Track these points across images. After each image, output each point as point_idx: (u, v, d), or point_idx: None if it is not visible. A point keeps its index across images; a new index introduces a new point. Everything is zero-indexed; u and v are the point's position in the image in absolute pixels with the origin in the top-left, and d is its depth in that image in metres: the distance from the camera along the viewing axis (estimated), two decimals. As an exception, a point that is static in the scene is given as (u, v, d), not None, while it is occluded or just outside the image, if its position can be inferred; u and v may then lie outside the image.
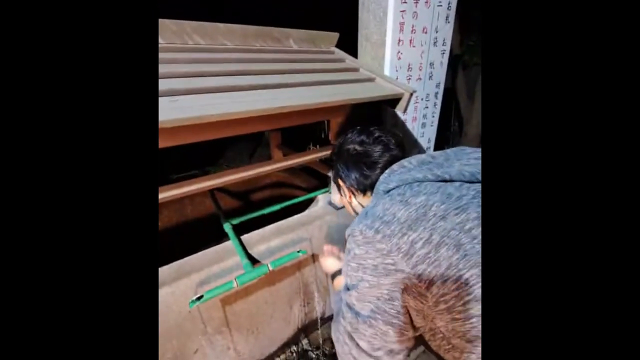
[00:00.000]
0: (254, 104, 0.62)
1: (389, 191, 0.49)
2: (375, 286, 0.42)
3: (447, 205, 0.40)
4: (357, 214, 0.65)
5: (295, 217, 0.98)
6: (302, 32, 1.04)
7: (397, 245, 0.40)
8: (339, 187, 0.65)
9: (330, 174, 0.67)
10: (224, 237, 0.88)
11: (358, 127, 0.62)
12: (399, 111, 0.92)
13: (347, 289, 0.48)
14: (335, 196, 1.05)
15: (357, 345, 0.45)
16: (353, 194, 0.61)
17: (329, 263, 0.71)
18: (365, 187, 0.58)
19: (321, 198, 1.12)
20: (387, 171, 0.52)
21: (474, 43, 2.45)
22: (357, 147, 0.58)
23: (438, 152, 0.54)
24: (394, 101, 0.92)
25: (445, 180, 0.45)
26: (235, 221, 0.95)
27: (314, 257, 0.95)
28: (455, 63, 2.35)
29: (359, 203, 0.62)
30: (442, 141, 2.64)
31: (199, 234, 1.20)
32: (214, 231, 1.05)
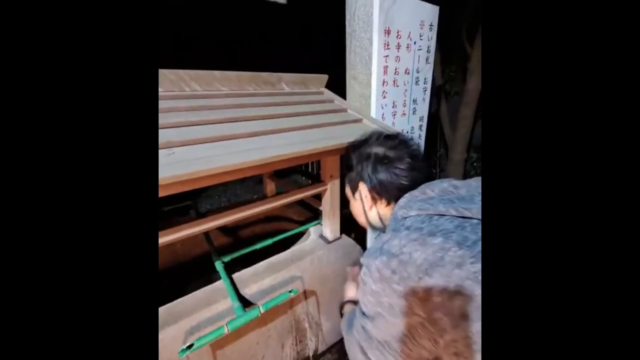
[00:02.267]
0: (248, 155, 0.66)
1: (406, 218, 0.49)
2: (391, 324, 0.44)
3: (463, 252, 0.40)
4: (371, 226, 0.63)
5: (287, 252, 1.00)
6: (293, 76, 1.11)
7: (413, 290, 0.41)
8: (354, 191, 0.61)
9: (347, 179, 0.63)
10: (215, 274, 0.89)
11: (379, 132, 0.60)
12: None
13: (363, 313, 0.49)
14: (326, 229, 1.08)
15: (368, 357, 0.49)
16: (375, 200, 0.58)
17: (350, 289, 0.72)
18: (390, 196, 0.56)
19: (312, 231, 1.14)
20: (407, 195, 0.52)
21: (453, 74, 2.63)
22: (388, 152, 0.56)
23: (460, 182, 0.52)
24: (380, 141, 0.98)
25: (465, 217, 0.45)
26: (227, 258, 0.96)
27: (306, 294, 0.96)
28: (438, 92, 2.50)
29: (378, 214, 0.59)
30: (431, 165, 2.74)
31: (190, 271, 1.19)
32: (205, 268, 1.05)
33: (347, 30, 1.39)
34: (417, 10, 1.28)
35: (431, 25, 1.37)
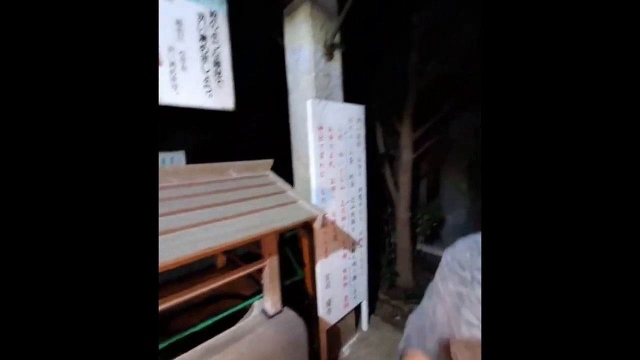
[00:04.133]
0: (196, 246, 0.78)
1: None
2: None
3: None
4: None
5: (227, 332, 1.03)
6: (241, 163, 1.31)
7: None
8: None
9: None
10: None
11: None
12: (317, 225, 1.15)
13: None
14: (267, 303, 1.14)
15: None
16: None
17: None
18: None
19: (256, 305, 1.19)
20: None
21: (394, 139, 3.09)
22: None
23: None
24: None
25: None
26: (163, 344, 0.96)
27: (244, 376, 0.97)
28: (383, 159, 2.91)
29: None
30: (381, 223, 2.99)
31: None
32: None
33: (291, 122, 1.70)
34: (345, 110, 1.64)
35: (359, 119, 1.74)
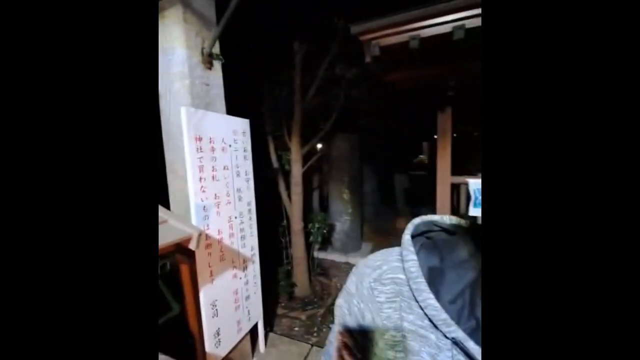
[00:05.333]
0: None
1: None
2: None
3: None
4: None
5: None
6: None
7: None
8: None
9: None
10: None
11: None
12: (192, 246, 1.02)
13: None
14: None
15: None
16: None
17: None
18: None
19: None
20: None
21: (284, 155, 3.23)
22: None
23: None
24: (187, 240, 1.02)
25: None
26: None
27: None
28: (276, 173, 2.97)
29: None
30: (278, 236, 3.01)
31: None
32: None
33: (164, 130, 1.49)
34: (229, 122, 1.59)
35: (244, 132, 1.72)
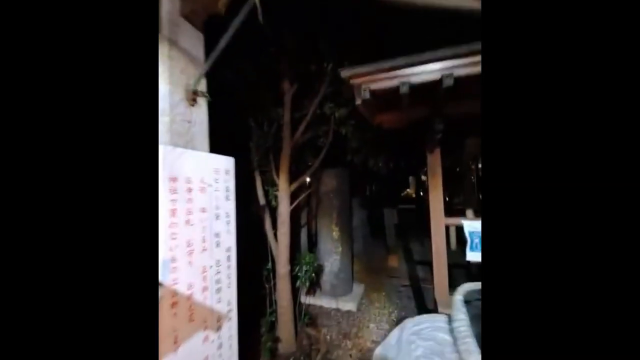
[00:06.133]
0: None
1: None
2: None
3: None
4: None
5: None
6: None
7: None
8: None
9: None
10: None
11: None
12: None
13: None
14: None
15: None
16: None
17: None
18: None
19: None
20: None
21: (272, 190, 3.09)
22: None
23: None
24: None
25: None
26: None
27: None
28: (262, 210, 2.80)
29: None
30: (262, 281, 2.73)
31: None
32: None
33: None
34: (209, 161, 1.48)
35: (227, 170, 1.60)
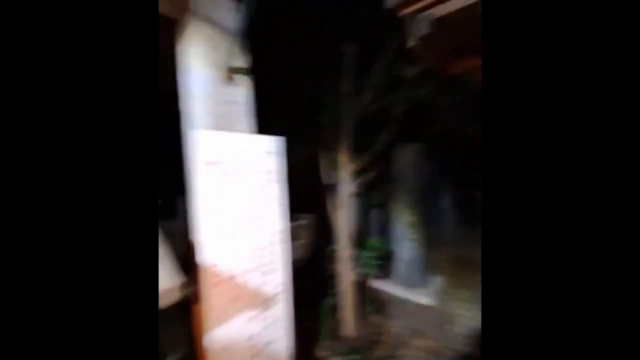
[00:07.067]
0: None
1: None
2: None
3: None
4: None
5: None
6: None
7: None
8: None
9: None
10: None
11: None
12: (168, 301, 0.83)
13: None
14: None
15: None
16: None
17: None
18: None
19: None
20: None
21: (336, 170, 2.93)
22: None
23: None
24: None
25: None
26: None
27: None
28: (324, 192, 2.70)
29: None
30: (324, 264, 2.70)
31: None
32: None
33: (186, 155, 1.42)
34: (253, 142, 1.41)
35: (274, 151, 1.51)
